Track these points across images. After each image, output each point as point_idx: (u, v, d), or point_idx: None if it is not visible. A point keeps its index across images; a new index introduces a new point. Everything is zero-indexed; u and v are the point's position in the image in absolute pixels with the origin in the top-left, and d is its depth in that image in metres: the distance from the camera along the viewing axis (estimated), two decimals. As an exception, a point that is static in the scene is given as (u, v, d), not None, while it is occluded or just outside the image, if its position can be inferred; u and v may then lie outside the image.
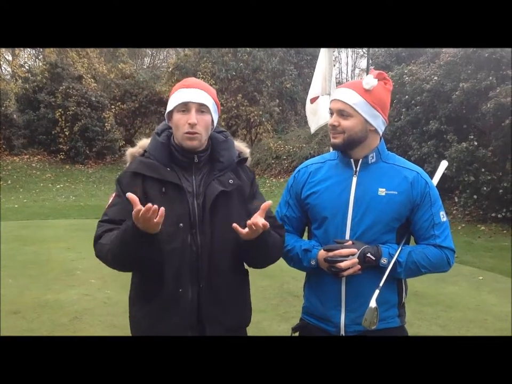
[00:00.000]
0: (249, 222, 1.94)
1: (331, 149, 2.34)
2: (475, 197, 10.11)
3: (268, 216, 2.16)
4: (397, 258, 2.12)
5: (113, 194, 2.16)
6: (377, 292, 2.11)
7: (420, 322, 5.07)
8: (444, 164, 2.55)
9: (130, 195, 1.86)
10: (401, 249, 2.16)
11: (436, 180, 2.40)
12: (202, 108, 2.11)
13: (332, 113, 2.20)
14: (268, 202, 1.99)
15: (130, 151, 2.24)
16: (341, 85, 2.31)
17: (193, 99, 2.09)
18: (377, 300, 2.10)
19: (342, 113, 2.15)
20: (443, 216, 2.22)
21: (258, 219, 1.94)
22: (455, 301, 5.89)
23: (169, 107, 2.14)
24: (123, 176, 2.16)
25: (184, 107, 2.09)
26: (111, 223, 2.08)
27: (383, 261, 2.11)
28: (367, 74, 2.34)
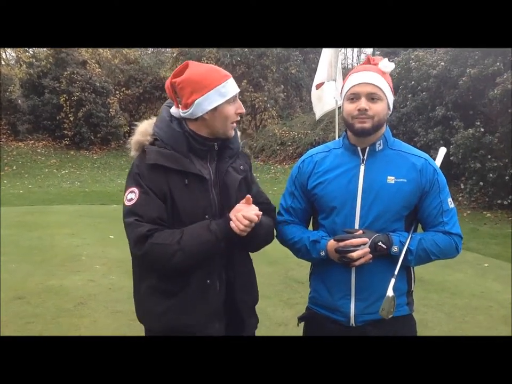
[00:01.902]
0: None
1: (336, 136, 2.31)
2: (481, 183, 10.06)
3: (261, 202, 2.21)
4: (408, 246, 2.10)
5: (135, 190, 2.04)
6: (393, 280, 2.09)
7: (425, 309, 5.06)
8: (442, 150, 2.51)
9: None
10: (411, 237, 2.13)
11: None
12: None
13: (353, 98, 2.10)
14: (248, 196, 2.05)
15: (136, 139, 2.12)
16: (357, 68, 2.23)
17: (237, 88, 2.14)
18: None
19: (372, 97, 2.08)
20: (450, 203, 2.20)
21: (250, 211, 2.01)
22: (460, 288, 5.87)
23: (219, 101, 2.07)
24: (142, 168, 2.05)
25: (234, 98, 2.12)
26: (153, 223, 2.00)
27: (394, 249, 2.09)
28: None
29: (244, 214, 1.98)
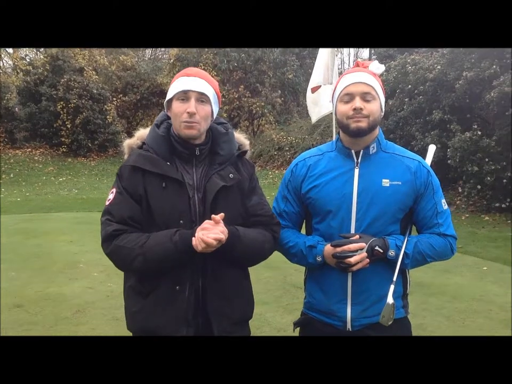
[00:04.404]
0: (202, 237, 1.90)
1: (334, 139, 2.29)
2: (479, 187, 10.08)
3: (258, 214, 2.17)
4: (404, 250, 2.10)
5: (114, 190, 2.09)
6: (392, 287, 2.08)
7: (424, 313, 5.05)
8: (432, 148, 2.50)
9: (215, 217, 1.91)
10: (407, 240, 2.13)
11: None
12: (202, 98, 2.07)
13: (348, 98, 2.10)
14: (220, 215, 1.94)
15: (128, 142, 2.19)
16: (348, 70, 2.24)
17: (193, 87, 2.05)
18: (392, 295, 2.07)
19: (366, 97, 2.08)
20: (444, 204, 2.21)
21: (211, 234, 1.90)
22: (460, 292, 5.86)
23: (169, 95, 2.09)
24: (123, 170, 2.10)
25: (184, 95, 2.05)
26: (122, 223, 2.02)
27: (391, 253, 2.08)
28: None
29: (202, 236, 1.89)
